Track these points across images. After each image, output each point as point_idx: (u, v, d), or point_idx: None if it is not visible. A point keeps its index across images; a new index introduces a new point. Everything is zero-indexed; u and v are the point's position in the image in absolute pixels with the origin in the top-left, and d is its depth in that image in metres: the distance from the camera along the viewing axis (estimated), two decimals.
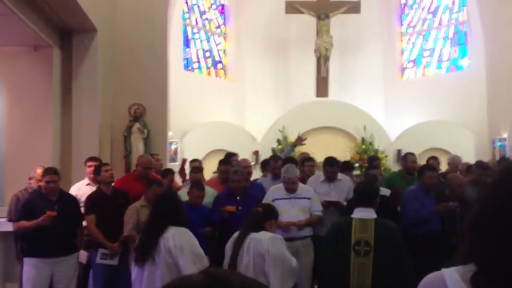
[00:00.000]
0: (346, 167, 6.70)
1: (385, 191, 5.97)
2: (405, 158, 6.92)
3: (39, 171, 6.08)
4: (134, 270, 4.08)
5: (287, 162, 6.36)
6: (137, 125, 8.99)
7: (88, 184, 6.19)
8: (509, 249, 1.04)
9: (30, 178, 6.34)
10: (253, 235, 3.99)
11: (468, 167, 7.01)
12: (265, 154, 10.36)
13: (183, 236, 3.89)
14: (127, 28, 9.34)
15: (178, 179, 7.83)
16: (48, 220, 4.94)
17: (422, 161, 7.78)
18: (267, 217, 4.13)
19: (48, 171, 5.33)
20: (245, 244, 3.97)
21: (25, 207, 5.24)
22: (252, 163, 9.95)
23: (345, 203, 5.79)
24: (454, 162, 7.42)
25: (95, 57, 8.49)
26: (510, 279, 1.03)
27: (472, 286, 1.08)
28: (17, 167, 7.38)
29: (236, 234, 4.15)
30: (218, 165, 6.70)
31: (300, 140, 7.68)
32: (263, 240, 3.91)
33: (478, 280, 1.07)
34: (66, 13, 7.62)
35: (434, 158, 7.63)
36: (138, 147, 8.86)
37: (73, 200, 5.55)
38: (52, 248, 5.08)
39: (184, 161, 8.23)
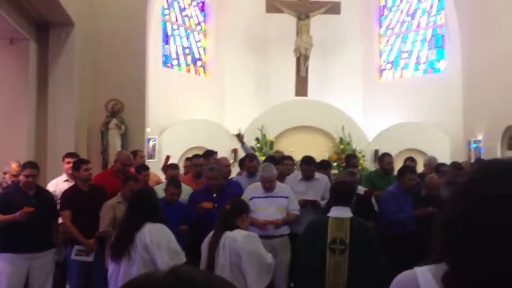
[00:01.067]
0: (323, 165, 6.73)
1: (360, 190, 6.04)
2: (382, 159, 7.01)
3: (14, 165, 5.99)
4: (111, 266, 4.07)
5: (268, 161, 6.38)
6: (114, 120, 8.90)
7: (66, 181, 6.09)
8: (480, 249, 1.06)
9: (4, 173, 6.23)
10: (228, 234, 3.98)
11: (437, 166, 7.10)
12: (244, 152, 10.35)
13: (159, 232, 3.88)
14: (105, 22, 9.23)
15: (161, 176, 7.77)
16: (24, 215, 4.89)
17: (399, 162, 7.87)
18: (236, 213, 4.11)
19: (27, 164, 5.28)
20: (220, 244, 3.96)
21: (2, 201, 5.16)
22: (231, 161, 9.95)
23: (322, 202, 5.83)
24: (430, 164, 7.52)
25: (72, 52, 8.36)
26: (481, 278, 1.04)
27: (444, 285, 1.09)
28: None
29: (211, 234, 4.14)
30: (192, 157, 6.73)
31: (239, 137, 7.79)
32: (237, 239, 3.91)
33: (450, 279, 1.08)
34: (42, 6, 7.49)
35: (411, 159, 7.72)
36: (115, 143, 8.77)
37: (50, 195, 5.50)
38: (28, 243, 5.03)
39: (167, 158, 8.18)
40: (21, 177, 5.21)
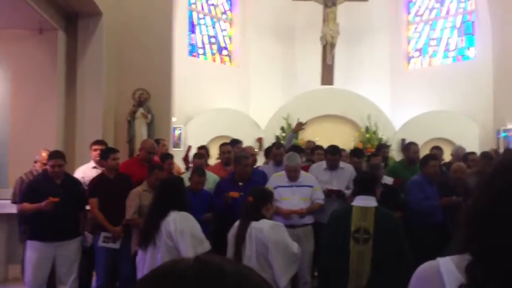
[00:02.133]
0: (356, 154, 6.68)
1: (387, 180, 5.98)
2: (408, 148, 6.91)
3: (44, 154, 6.10)
4: (139, 253, 4.16)
5: (291, 150, 6.37)
6: (141, 110, 8.99)
7: (94, 167, 6.20)
8: (504, 239, 1.05)
9: (35, 161, 6.37)
10: (254, 224, 4.00)
11: (465, 155, 6.99)
12: (269, 141, 10.36)
13: (184, 220, 3.93)
14: (132, 12, 9.30)
15: (182, 166, 7.85)
16: (50, 205, 4.94)
17: (426, 151, 7.76)
18: (261, 203, 4.13)
19: (53, 155, 5.32)
20: (247, 234, 3.99)
21: (30, 189, 5.25)
22: (256, 150, 9.96)
23: (347, 192, 5.80)
24: (458, 153, 7.38)
25: (100, 41, 8.47)
26: (505, 269, 1.03)
27: (467, 276, 1.08)
28: (21, 150, 7.41)
29: (236, 224, 4.16)
30: (220, 146, 6.76)
31: (299, 126, 7.65)
32: (264, 229, 3.93)
33: (473, 269, 1.07)
34: None
35: (438, 148, 7.59)
36: (141, 132, 8.87)
37: (78, 184, 5.55)
38: (55, 231, 5.10)
39: (189, 148, 8.24)
40: (48, 167, 5.27)
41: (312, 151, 6.96)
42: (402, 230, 4.03)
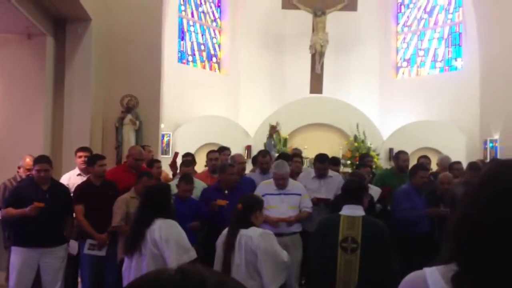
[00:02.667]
0: (333, 162, 6.70)
1: (375, 189, 5.99)
2: (398, 157, 6.95)
3: (28, 160, 6.03)
4: (125, 261, 4.12)
5: (279, 158, 6.37)
6: (129, 116, 8.94)
7: (79, 175, 6.14)
8: (491, 250, 1.05)
9: (19, 167, 6.29)
10: (243, 232, 3.98)
11: (451, 164, 7.04)
12: (258, 149, 10.32)
13: (169, 228, 3.90)
14: (121, 18, 9.27)
15: (169, 172, 7.81)
16: (35, 211, 4.85)
17: (413, 160, 7.80)
18: (250, 211, 4.10)
19: (39, 159, 5.24)
20: (236, 242, 3.96)
21: (15, 194, 5.16)
22: (245, 158, 9.95)
23: None
24: (443, 163, 7.44)
25: (89, 47, 8.43)
26: (491, 279, 1.03)
27: (453, 286, 1.08)
28: (8, 155, 7.33)
29: (225, 231, 4.14)
30: (207, 153, 6.75)
31: (273, 129, 7.70)
32: (253, 237, 3.91)
33: (459, 280, 1.07)
34: (60, 1, 7.55)
35: (425, 157, 7.64)
36: (129, 139, 8.82)
37: (65, 189, 5.48)
38: (40, 238, 5.02)
39: (176, 154, 8.20)
40: (34, 172, 5.18)
41: (291, 159, 6.92)
42: (389, 239, 4.03)
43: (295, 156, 6.97)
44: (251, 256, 3.91)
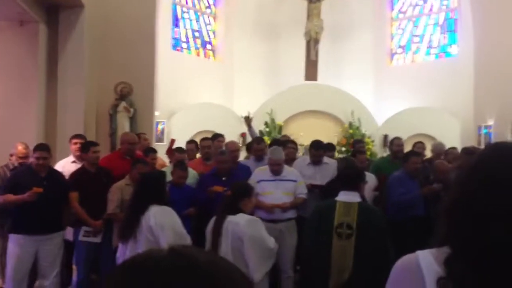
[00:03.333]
0: (327, 147, 6.71)
1: (370, 176, 6.00)
2: (392, 142, 7.01)
3: (20, 147, 6.00)
4: (119, 247, 4.12)
5: (274, 144, 6.36)
6: (123, 103, 8.91)
7: (73, 162, 6.12)
8: (483, 232, 1.05)
9: (11, 155, 6.26)
10: (231, 218, 3.99)
11: (446, 151, 7.10)
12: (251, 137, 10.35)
13: (164, 214, 3.91)
14: (114, 5, 9.19)
15: (166, 159, 7.81)
16: (34, 196, 4.87)
17: (408, 147, 7.82)
18: (239, 197, 4.11)
19: (38, 147, 5.25)
20: (223, 228, 3.97)
21: (13, 181, 5.16)
22: (239, 145, 9.94)
23: None
24: (437, 149, 7.48)
25: (82, 34, 8.35)
26: (483, 261, 1.03)
27: (446, 268, 1.08)
28: (1, 143, 7.29)
29: (214, 219, 4.15)
30: (200, 140, 6.73)
31: (247, 120, 7.69)
32: (240, 223, 3.92)
33: (452, 262, 1.08)
34: None
35: (420, 142, 7.69)
36: (124, 126, 8.80)
37: (62, 177, 5.47)
38: (38, 225, 5.03)
39: (172, 141, 8.19)
40: (32, 159, 5.19)
41: (284, 146, 6.92)
42: (384, 224, 4.05)
43: (288, 142, 6.97)
44: (237, 242, 3.92)
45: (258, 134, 7.58)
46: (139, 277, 0.69)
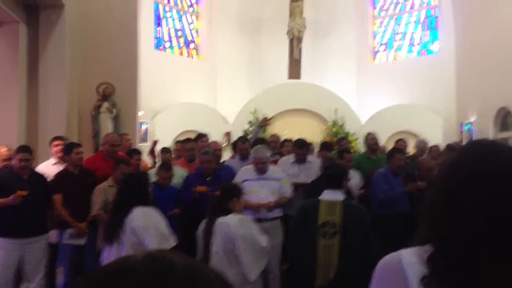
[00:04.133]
0: (325, 147, 6.74)
1: (354, 174, 6.03)
2: (366, 138, 7.13)
3: (3, 150, 5.93)
4: (105, 249, 4.09)
5: (257, 144, 6.36)
6: (106, 104, 8.82)
7: (55, 164, 6.06)
8: (465, 228, 1.05)
9: None
10: (221, 219, 3.97)
11: (430, 148, 7.20)
12: (237, 136, 10.31)
13: (147, 215, 3.88)
14: (96, 4, 9.09)
15: (148, 160, 7.76)
16: (17, 199, 4.83)
17: (391, 144, 7.90)
18: (227, 198, 4.10)
19: (21, 149, 5.22)
20: (214, 229, 3.96)
21: None
22: (224, 145, 9.92)
23: None
24: (420, 146, 7.58)
25: (63, 34, 8.25)
26: (466, 258, 1.03)
27: (428, 267, 1.09)
28: None
29: (204, 220, 4.14)
30: (182, 141, 6.71)
31: (265, 121, 7.68)
32: (231, 224, 3.91)
33: (435, 260, 1.08)
34: None
35: (401, 140, 7.80)
36: (107, 127, 8.71)
37: (44, 179, 5.42)
38: (21, 228, 4.98)
39: (154, 142, 8.14)
40: (15, 161, 5.14)
41: (281, 144, 6.99)
42: (369, 222, 4.07)
43: (286, 141, 7.08)
44: (228, 243, 3.90)
45: (256, 136, 7.61)
46: (114, 283, 0.68)
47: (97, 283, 0.70)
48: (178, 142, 7.42)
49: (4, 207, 4.90)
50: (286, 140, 7.35)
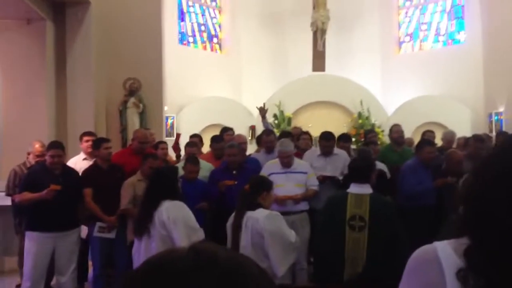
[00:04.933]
0: (344, 138, 6.69)
1: (380, 166, 5.99)
2: (391, 130, 7.03)
3: (37, 146, 6.04)
4: (135, 243, 4.16)
5: (282, 136, 6.35)
6: (132, 99, 8.93)
7: (84, 159, 6.17)
8: (502, 224, 1.04)
9: (28, 153, 6.31)
10: (250, 214, 3.97)
11: (466, 140, 7.04)
12: (262, 129, 10.34)
13: (177, 209, 3.92)
14: (121, 0, 9.20)
15: (173, 155, 7.83)
16: (51, 193, 4.93)
17: (418, 135, 7.80)
18: (257, 192, 4.08)
19: (52, 145, 5.30)
20: (243, 224, 3.97)
21: (29, 179, 5.21)
22: (249, 138, 9.94)
23: (341, 178, 5.81)
24: (447, 138, 7.45)
25: (89, 31, 8.38)
26: (503, 252, 1.03)
27: (466, 260, 1.08)
28: (13, 142, 7.36)
29: (233, 214, 4.15)
30: (210, 141, 6.69)
31: (262, 111, 7.56)
32: (259, 219, 3.90)
33: (472, 253, 1.07)
34: None
35: (430, 131, 7.65)
36: (134, 122, 8.82)
37: (76, 175, 5.51)
38: (55, 222, 5.08)
39: (177, 136, 8.20)
40: (47, 157, 5.23)
41: (298, 137, 6.92)
42: (397, 215, 4.04)
43: (303, 134, 6.98)
44: (257, 238, 3.90)
45: (270, 127, 7.53)
46: (159, 277, 0.70)
47: (144, 276, 0.72)
48: (194, 135, 7.35)
49: (38, 202, 5.01)
50: (303, 133, 7.25)
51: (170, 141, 9.17)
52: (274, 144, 6.29)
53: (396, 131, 6.90)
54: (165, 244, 3.85)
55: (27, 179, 5.26)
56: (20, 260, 5.74)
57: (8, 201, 6.02)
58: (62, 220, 5.13)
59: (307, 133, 7.15)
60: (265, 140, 6.54)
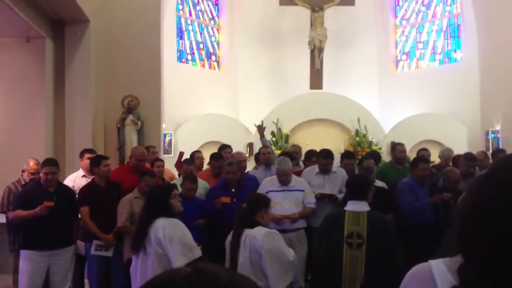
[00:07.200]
0: (348, 156, 6.64)
1: (379, 183, 6.00)
2: (394, 149, 7.03)
3: (32, 163, 6.05)
4: (133, 260, 4.14)
5: (282, 155, 6.37)
6: (130, 117, 8.95)
7: (83, 176, 6.16)
8: (498, 240, 1.05)
9: (23, 171, 6.31)
10: (248, 232, 3.96)
11: (456, 158, 7.07)
12: (259, 146, 10.36)
13: (173, 226, 3.90)
14: (120, 19, 9.27)
15: (175, 172, 7.82)
16: (45, 210, 4.92)
17: (415, 153, 7.81)
18: (255, 210, 4.07)
19: (46, 162, 5.29)
20: (241, 242, 3.96)
21: (22, 197, 5.21)
22: (246, 155, 9.94)
23: (339, 196, 5.80)
24: (444, 155, 7.47)
25: (88, 48, 8.43)
26: (497, 270, 1.03)
27: (459, 277, 1.08)
28: (10, 159, 7.34)
29: (232, 232, 4.14)
30: (210, 159, 6.69)
31: (260, 128, 7.59)
32: (258, 237, 3.88)
33: (465, 271, 1.07)
34: (58, 3, 7.56)
35: (425, 149, 7.69)
36: (131, 139, 8.83)
37: (71, 192, 5.52)
38: (49, 240, 5.07)
39: (181, 154, 8.20)
40: (41, 174, 5.23)
41: (309, 159, 6.85)
42: (395, 232, 4.03)
43: (313, 156, 6.84)
44: (255, 255, 3.88)
45: (269, 143, 7.55)
46: None
47: None
48: (196, 152, 7.45)
49: (31, 220, 4.99)
50: (313, 154, 7.06)
51: (168, 158, 9.18)
52: (271, 156, 6.35)
53: (400, 151, 6.91)
54: (161, 262, 3.83)
55: (21, 196, 5.25)
56: (14, 278, 5.70)
57: (2, 219, 6.00)
58: (56, 238, 5.12)
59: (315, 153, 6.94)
60: (263, 151, 6.62)
